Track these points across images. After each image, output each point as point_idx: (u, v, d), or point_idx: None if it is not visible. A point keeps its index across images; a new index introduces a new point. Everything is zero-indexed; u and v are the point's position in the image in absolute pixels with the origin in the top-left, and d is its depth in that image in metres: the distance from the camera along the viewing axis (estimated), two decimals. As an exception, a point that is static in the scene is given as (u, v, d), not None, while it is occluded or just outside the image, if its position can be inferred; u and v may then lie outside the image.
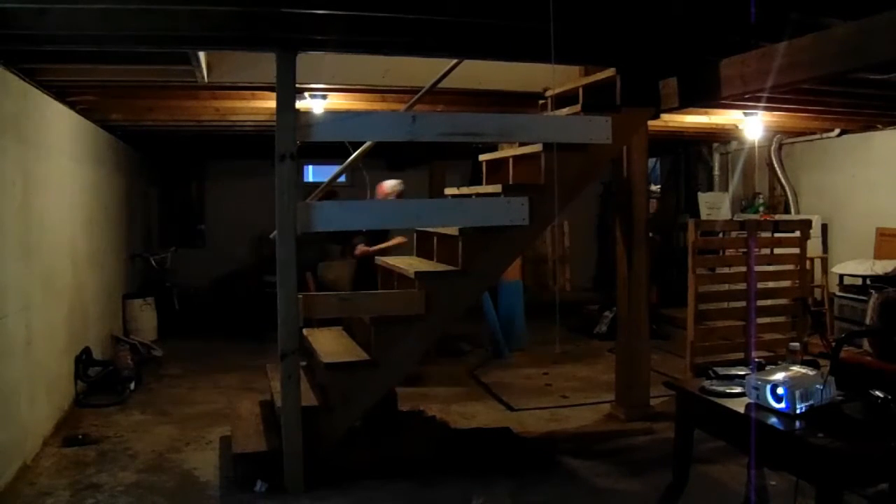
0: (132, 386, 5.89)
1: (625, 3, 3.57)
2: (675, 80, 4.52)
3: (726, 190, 9.65)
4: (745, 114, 6.74)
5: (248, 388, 5.89)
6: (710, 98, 4.55)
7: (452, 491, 3.91)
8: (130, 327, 7.68)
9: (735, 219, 8.26)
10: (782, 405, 3.03)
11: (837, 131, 7.85)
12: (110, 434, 4.85)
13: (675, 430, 3.75)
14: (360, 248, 6.21)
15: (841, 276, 7.24)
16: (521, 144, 4.84)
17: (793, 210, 8.58)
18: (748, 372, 3.48)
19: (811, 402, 3.02)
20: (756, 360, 3.62)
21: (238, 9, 3.51)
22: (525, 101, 5.70)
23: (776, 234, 6.32)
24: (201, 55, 4.56)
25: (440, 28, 3.81)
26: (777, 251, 6.23)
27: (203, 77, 4.82)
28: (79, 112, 5.91)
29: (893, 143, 7.33)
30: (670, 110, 4.73)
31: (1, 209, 4.03)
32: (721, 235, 7.09)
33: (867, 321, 5.40)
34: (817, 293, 7.76)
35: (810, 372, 3.17)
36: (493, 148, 5.80)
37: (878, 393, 3.05)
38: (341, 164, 5.12)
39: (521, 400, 5.71)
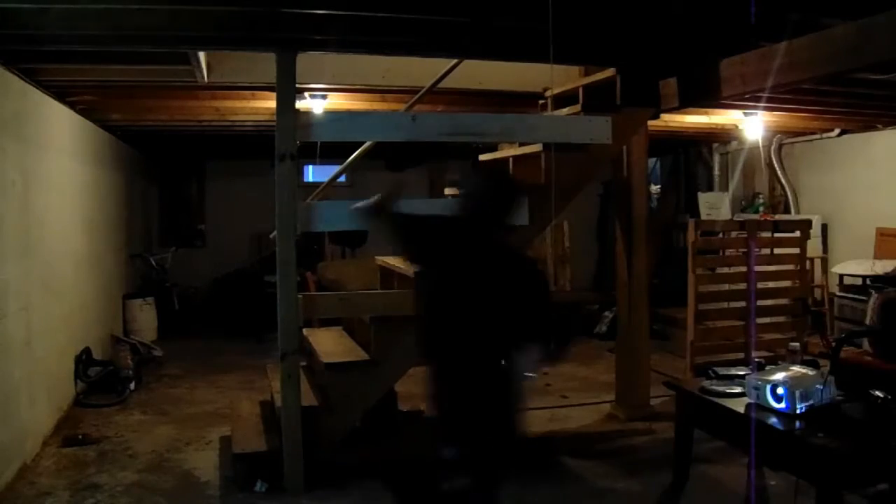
0: (132, 386, 5.89)
1: (625, 3, 3.57)
2: (675, 80, 4.52)
3: (726, 190, 9.63)
4: (745, 114, 6.74)
5: (248, 388, 5.89)
6: (710, 98, 4.55)
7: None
8: (130, 327, 7.68)
9: (735, 219, 8.25)
10: (782, 405, 3.04)
11: (837, 131, 7.84)
12: (110, 434, 4.85)
13: (675, 430, 3.76)
14: None
15: (841, 276, 7.23)
16: (521, 144, 4.84)
17: (793, 210, 8.58)
18: (748, 372, 3.48)
19: (811, 402, 3.02)
20: (756, 360, 3.63)
21: (238, 9, 3.51)
22: (525, 101, 5.70)
23: (776, 234, 6.32)
24: (201, 55, 4.56)
25: (440, 28, 3.81)
26: (777, 251, 6.23)
27: (203, 77, 4.82)
28: (79, 112, 5.91)
29: (893, 143, 7.32)
30: (670, 110, 4.73)
31: (1, 209, 4.03)
32: (721, 235, 7.09)
33: (867, 321, 5.40)
34: (817, 293, 7.75)
35: (810, 372, 3.18)
36: (493, 148, 5.80)
37: (878, 393, 3.06)
38: (341, 164, 5.13)
39: (521, 400, 5.70)
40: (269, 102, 4.98)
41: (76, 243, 5.79)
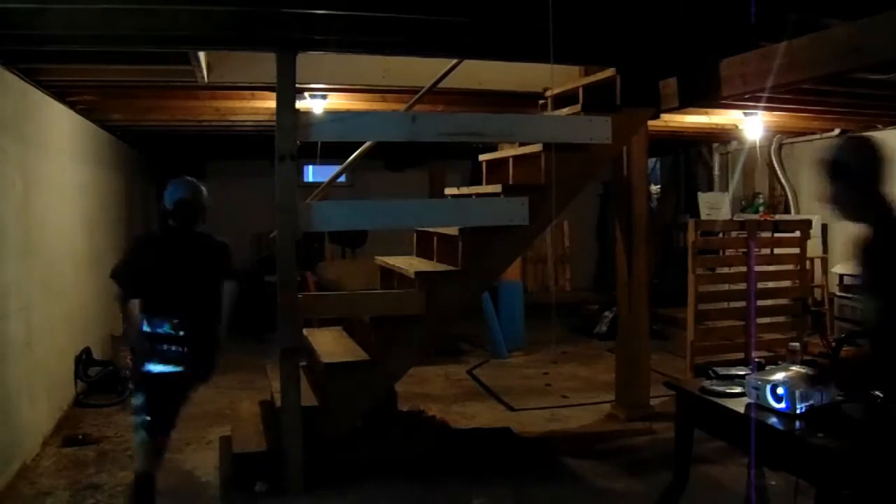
0: (132, 386, 5.88)
1: (625, 3, 3.57)
2: (675, 80, 4.52)
3: (726, 190, 9.64)
4: (745, 114, 6.74)
5: (248, 388, 5.89)
6: (710, 98, 4.55)
7: (452, 491, 3.91)
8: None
9: (735, 219, 8.25)
10: (782, 405, 3.03)
11: (837, 131, 7.84)
12: (110, 434, 4.85)
13: (675, 430, 3.75)
14: None
15: (841, 276, 7.23)
16: (521, 144, 4.84)
17: (793, 210, 8.58)
18: (748, 372, 3.47)
19: (811, 402, 3.01)
20: (756, 360, 3.62)
21: (238, 9, 3.51)
22: (525, 101, 5.70)
23: (776, 234, 6.32)
24: (201, 55, 4.57)
25: (440, 28, 3.81)
26: (777, 251, 6.23)
27: (203, 77, 4.82)
28: (79, 112, 5.91)
29: (893, 143, 7.29)
30: (670, 110, 4.73)
31: (1, 209, 4.03)
32: (721, 235, 7.10)
33: (867, 321, 5.40)
34: (817, 293, 7.76)
35: (810, 372, 3.17)
36: (493, 148, 5.80)
37: (878, 393, 3.05)
38: (341, 164, 5.13)
39: (521, 400, 5.71)
40: (269, 102, 4.98)
41: (76, 243, 5.79)
